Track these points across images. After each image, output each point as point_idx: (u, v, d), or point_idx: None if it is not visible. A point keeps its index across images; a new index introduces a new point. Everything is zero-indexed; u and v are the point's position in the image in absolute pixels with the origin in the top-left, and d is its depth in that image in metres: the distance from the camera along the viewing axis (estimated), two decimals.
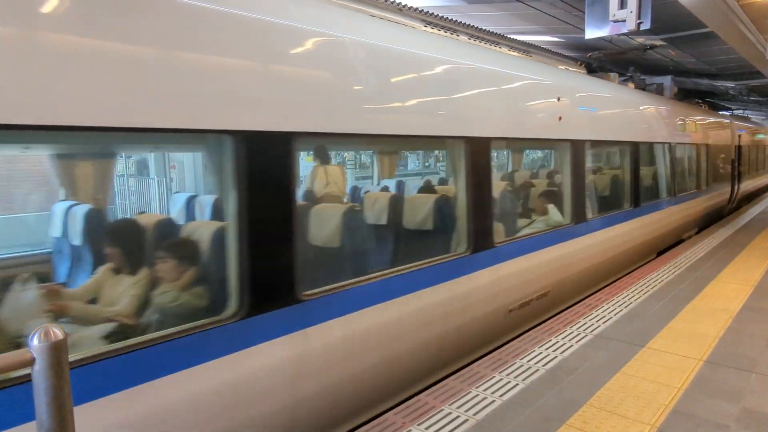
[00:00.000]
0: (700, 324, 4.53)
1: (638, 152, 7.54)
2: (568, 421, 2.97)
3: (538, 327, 4.52)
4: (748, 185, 16.67)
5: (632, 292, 5.50)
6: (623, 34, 5.46)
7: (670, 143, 9.11)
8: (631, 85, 9.15)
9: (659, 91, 10.59)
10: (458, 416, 3.03)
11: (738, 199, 15.16)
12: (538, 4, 7.50)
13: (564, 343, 4.11)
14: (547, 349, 4.01)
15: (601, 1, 4.65)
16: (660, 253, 8.67)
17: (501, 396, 3.26)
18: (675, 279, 6.05)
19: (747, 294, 5.43)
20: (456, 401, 3.20)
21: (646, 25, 4.34)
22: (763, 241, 8.41)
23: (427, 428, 2.90)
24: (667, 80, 10.74)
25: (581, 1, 5.63)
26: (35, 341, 1.33)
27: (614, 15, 4.42)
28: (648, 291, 5.55)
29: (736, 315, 4.77)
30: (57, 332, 1.34)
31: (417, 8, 4.41)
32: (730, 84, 13.99)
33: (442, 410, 3.10)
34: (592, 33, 4.80)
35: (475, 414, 3.05)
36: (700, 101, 13.70)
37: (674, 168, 9.23)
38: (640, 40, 9.21)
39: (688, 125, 10.19)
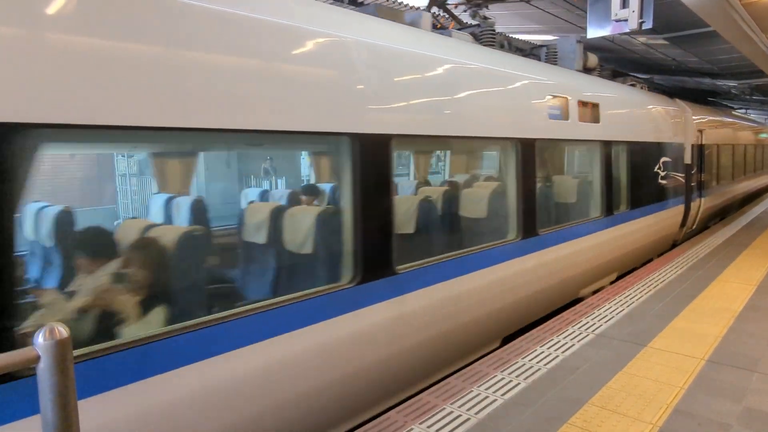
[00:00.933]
0: (701, 323, 4.54)
1: (382, 157, 3.54)
2: (570, 420, 2.97)
3: (540, 326, 4.52)
4: (717, 199, 12.00)
5: (634, 292, 5.50)
6: (625, 34, 5.46)
7: (524, 140, 4.95)
8: (471, 37, 5.25)
9: (552, 58, 6.66)
10: (460, 415, 3.03)
11: (702, 218, 11.07)
12: (540, 3, 7.50)
13: (566, 343, 4.12)
14: (548, 348, 4.02)
15: (603, 0, 4.65)
16: (507, 340, 5.03)
17: (503, 395, 3.27)
18: (676, 278, 6.05)
19: (749, 293, 5.43)
20: (458, 400, 3.21)
21: (648, 25, 4.34)
22: (765, 241, 8.41)
23: (428, 427, 2.91)
24: (569, 42, 6.60)
25: (583, 0, 5.63)
26: (40, 339, 1.34)
27: (616, 14, 4.42)
28: (650, 290, 5.55)
29: (738, 314, 4.76)
30: (62, 330, 1.36)
31: None
32: (732, 83, 13.96)
33: (443, 409, 3.11)
34: (594, 32, 4.80)
35: (476, 413, 3.06)
36: (638, 81, 9.49)
37: (532, 184, 5.12)
38: (642, 39, 9.21)
39: (581, 112, 6.04)
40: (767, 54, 8.69)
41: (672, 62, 11.15)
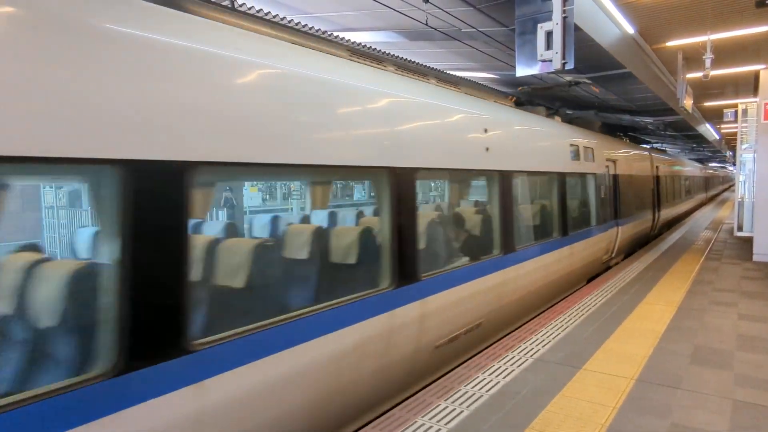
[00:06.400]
0: (630, 344, 4.78)
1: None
2: None
3: (482, 352, 4.60)
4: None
5: (569, 316, 5.73)
6: (551, 73, 5.86)
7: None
8: None
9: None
10: None
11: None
12: (474, 43, 7.91)
13: (506, 368, 4.20)
14: (490, 374, 4.08)
15: (530, 42, 4.98)
16: None
17: (447, 424, 3.27)
18: (607, 302, 6.37)
19: (671, 314, 5.79)
20: None
21: (570, 65, 4.69)
22: (684, 264, 9.05)
23: None
24: None
25: (513, 41, 6.00)
26: None
27: (542, 55, 4.75)
28: (583, 314, 5.80)
29: (662, 334, 5.06)
30: None
31: None
32: (648, 120, 15.20)
33: None
34: (522, 71, 5.12)
35: None
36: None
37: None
38: (569, 78, 9.89)
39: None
40: (675, 94, 9.55)
41: (595, 99, 12.02)
